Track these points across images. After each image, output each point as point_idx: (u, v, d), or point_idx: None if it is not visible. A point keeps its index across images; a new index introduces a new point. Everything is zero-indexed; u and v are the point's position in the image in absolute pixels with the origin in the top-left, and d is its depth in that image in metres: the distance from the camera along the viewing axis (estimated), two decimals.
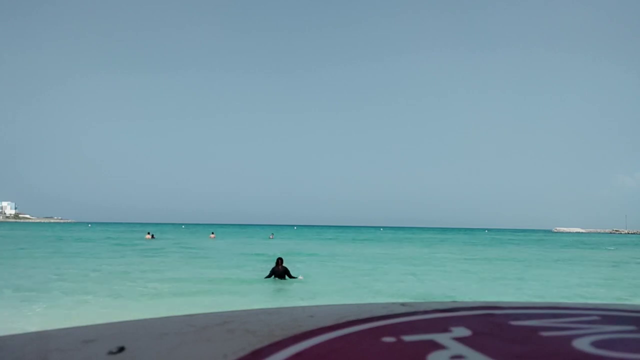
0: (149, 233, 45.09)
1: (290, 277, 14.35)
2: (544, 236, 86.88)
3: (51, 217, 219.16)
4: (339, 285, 14.29)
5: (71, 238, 44.77)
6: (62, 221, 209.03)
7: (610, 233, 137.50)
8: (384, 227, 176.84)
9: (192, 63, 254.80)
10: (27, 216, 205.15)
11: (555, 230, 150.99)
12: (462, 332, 0.91)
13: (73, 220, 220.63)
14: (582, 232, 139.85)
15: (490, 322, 1.01)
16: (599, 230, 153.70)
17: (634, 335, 0.91)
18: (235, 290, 12.95)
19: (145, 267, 18.85)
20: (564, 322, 1.00)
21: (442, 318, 1.04)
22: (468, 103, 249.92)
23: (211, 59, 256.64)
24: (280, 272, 14.30)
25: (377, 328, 0.94)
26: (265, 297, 11.99)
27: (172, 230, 77.92)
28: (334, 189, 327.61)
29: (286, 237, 58.21)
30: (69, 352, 0.80)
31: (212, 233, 52.23)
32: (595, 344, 0.83)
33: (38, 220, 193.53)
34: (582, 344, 0.83)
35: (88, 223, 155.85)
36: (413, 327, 0.95)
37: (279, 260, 14.57)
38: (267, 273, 14.66)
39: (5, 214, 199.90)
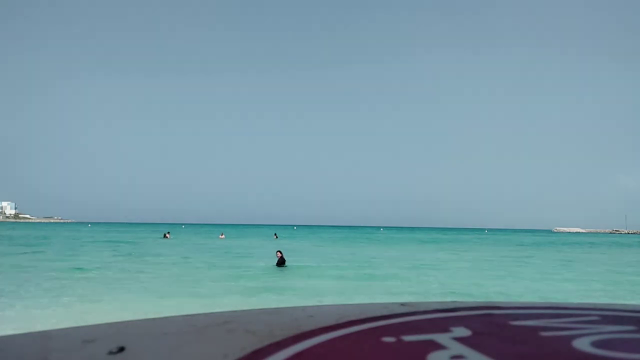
0: (168, 232, 48.89)
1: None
2: (543, 236, 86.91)
3: (51, 217, 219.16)
4: (339, 285, 14.30)
5: (71, 238, 44.78)
6: (62, 221, 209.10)
7: (610, 233, 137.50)
8: (384, 227, 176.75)
9: (193, 64, 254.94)
10: (27, 216, 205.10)
11: (555, 230, 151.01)
12: (462, 332, 0.91)
13: (73, 220, 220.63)
14: (582, 232, 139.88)
15: (490, 322, 1.01)
16: (599, 230, 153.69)
17: (634, 335, 0.91)
18: (236, 290, 12.96)
19: (147, 267, 18.86)
20: (564, 322, 1.00)
21: (442, 318, 1.04)
22: (468, 103, 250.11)
23: (213, 59, 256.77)
24: (281, 261, 18.67)
25: (377, 328, 0.94)
26: (265, 297, 12.00)
27: (174, 231, 77.93)
28: (334, 189, 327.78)
29: (286, 237, 58.32)
30: (69, 352, 0.80)
31: (222, 234, 53.72)
32: (595, 344, 0.83)
33: (38, 220, 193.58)
34: (582, 344, 0.83)
35: (88, 223, 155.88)
36: (413, 327, 0.95)
37: (279, 253, 19.13)
38: (274, 263, 18.90)
39: (5, 214, 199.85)
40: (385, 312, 1.08)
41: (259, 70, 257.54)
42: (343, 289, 13.52)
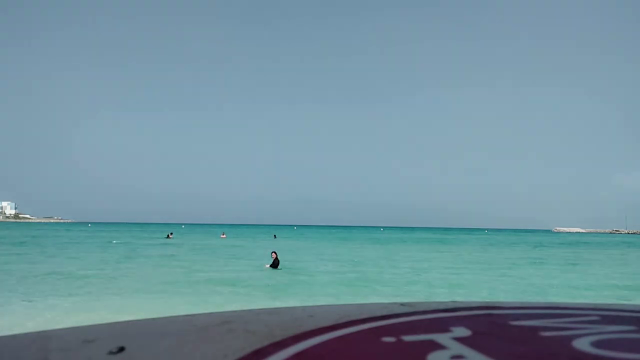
0: (171, 233, 49.61)
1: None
2: (543, 236, 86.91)
3: (51, 217, 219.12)
4: (339, 285, 14.30)
5: (71, 238, 44.78)
6: (62, 221, 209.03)
7: (610, 233, 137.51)
8: (384, 227, 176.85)
9: (193, 64, 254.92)
10: (27, 216, 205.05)
11: (555, 230, 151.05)
12: (462, 332, 0.91)
13: (73, 220, 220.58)
14: (582, 232, 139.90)
15: (490, 322, 1.01)
16: (599, 230, 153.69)
17: (634, 335, 0.91)
18: (236, 289, 12.96)
19: (147, 267, 18.86)
20: (564, 322, 1.00)
21: (442, 318, 1.04)
22: (468, 103, 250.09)
23: (212, 60, 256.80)
24: (275, 262, 18.65)
25: (377, 328, 0.94)
26: (265, 297, 12.00)
27: (174, 231, 77.98)
28: (335, 189, 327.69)
29: (287, 237, 58.40)
30: (69, 352, 0.80)
31: (223, 233, 54.37)
32: (595, 344, 0.83)
33: (38, 220, 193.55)
34: (582, 344, 0.83)
35: (88, 223, 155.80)
36: (413, 327, 0.95)
37: (274, 254, 19.22)
38: (267, 264, 18.94)
39: (5, 214, 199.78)
40: (385, 312, 1.08)
41: (259, 69, 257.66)
42: (343, 289, 13.53)
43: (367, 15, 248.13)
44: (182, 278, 15.32)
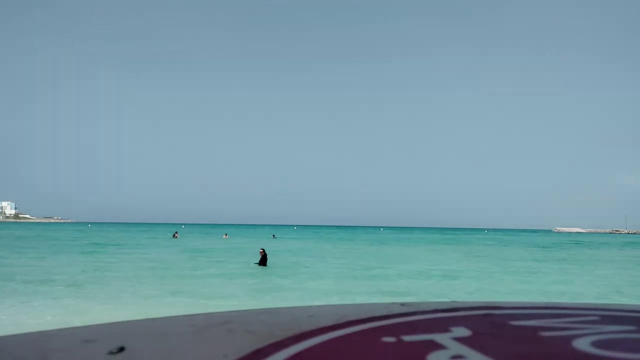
0: (176, 232, 50.45)
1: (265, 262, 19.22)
2: (543, 236, 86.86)
3: (51, 217, 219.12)
4: (339, 285, 14.30)
5: (71, 238, 44.76)
6: (62, 221, 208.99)
7: (610, 233, 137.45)
8: (384, 227, 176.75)
9: (192, 63, 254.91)
10: (27, 216, 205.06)
11: (555, 230, 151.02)
12: (462, 332, 0.91)
13: (73, 220, 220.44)
14: (582, 232, 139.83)
15: (490, 322, 1.01)
16: (599, 230, 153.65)
17: (634, 335, 0.91)
18: (236, 289, 12.96)
19: (147, 267, 18.84)
20: (564, 322, 1.00)
21: (442, 318, 1.04)
22: (468, 103, 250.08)
23: (211, 59, 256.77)
24: (263, 260, 19.07)
25: (377, 328, 0.94)
26: (265, 296, 12.00)
27: (174, 231, 77.91)
28: (335, 189, 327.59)
29: (286, 237, 58.40)
30: (69, 352, 0.80)
31: (226, 234, 54.74)
32: (595, 344, 0.83)
33: (38, 220, 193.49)
34: (582, 344, 0.82)
35: (88, 223, 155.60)
36: (413, 327, 0.95)
37: (262, 251, 19.60)
38: (257, 261, 19.38)
39: (5, 214, 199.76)
40: (385, 312, 1.07)
41: (259, 69, 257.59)
42: (343, 289, 13.52)
43: (366, 14, 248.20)
44: (184, 278, 15.31)
